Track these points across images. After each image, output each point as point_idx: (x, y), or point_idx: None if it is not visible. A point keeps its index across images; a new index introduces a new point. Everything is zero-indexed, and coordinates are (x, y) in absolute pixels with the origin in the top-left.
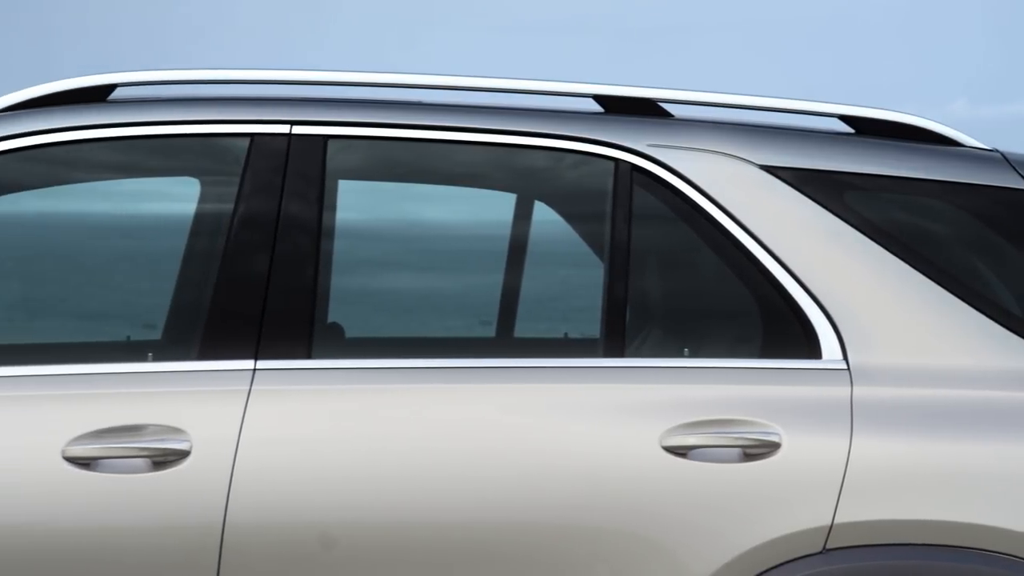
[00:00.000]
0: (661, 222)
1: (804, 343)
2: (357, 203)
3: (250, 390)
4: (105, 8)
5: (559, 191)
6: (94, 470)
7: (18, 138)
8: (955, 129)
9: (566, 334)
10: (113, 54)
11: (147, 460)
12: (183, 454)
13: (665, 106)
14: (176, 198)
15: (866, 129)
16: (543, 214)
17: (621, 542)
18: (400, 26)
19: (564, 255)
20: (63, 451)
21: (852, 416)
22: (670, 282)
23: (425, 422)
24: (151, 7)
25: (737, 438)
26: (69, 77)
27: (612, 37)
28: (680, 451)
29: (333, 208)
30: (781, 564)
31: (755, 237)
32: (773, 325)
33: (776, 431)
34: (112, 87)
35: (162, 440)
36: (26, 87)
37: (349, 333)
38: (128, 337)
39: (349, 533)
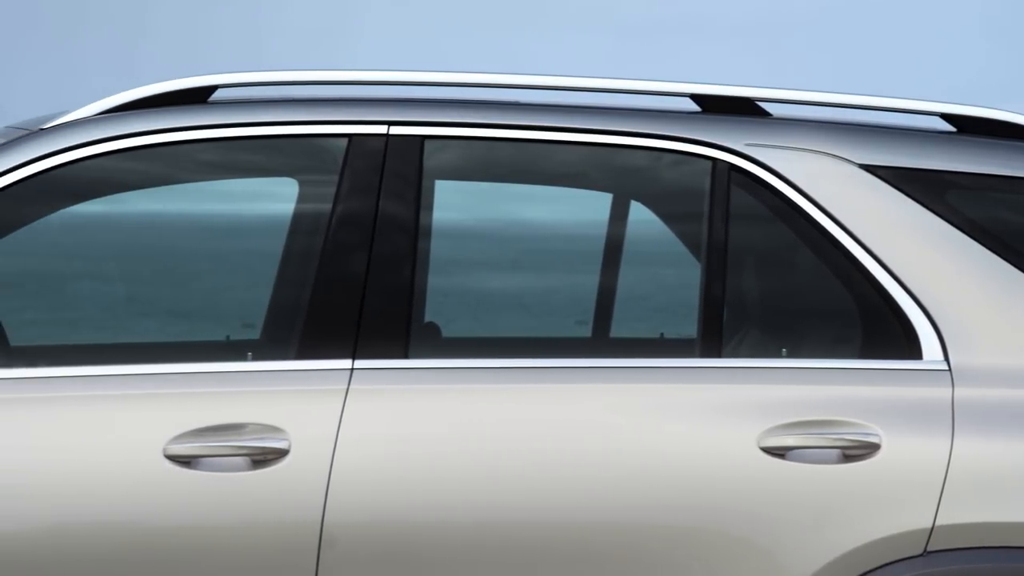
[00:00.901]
0: (759, 221)
1: (904, 343)
2: (454, 203)
3: (348, 389)
4: (206, 9)
5: (656, 191)
6: (195, 468)
7: (121, 139)
8: None
9: (662, 334)
10: (214, 56)
11: (247, 459)
12: (282, 453)
13: (763, 105)
14: (275, 198)
15: (968, 128)
16: (639, 214)
17: (718, 542)
18: (497, 26)
19: (660, 255)
20: (164, 449)
21: (953, 417)
22: (768, 282)
23: (521, 422)
24: (252, 9)
25: (836, 439)
26: (170, 79)
27: (707, 35)
28: (778, 452)
29: (430, 208)
30: (882, 566)
31: (854, 236)
32: (873, 325)
33: (876, 432)
34: (213, 88)
35: (261, 439)
36: (128, 89)
37: (445, 333)
38: (228, 337)
39: (445, 533)
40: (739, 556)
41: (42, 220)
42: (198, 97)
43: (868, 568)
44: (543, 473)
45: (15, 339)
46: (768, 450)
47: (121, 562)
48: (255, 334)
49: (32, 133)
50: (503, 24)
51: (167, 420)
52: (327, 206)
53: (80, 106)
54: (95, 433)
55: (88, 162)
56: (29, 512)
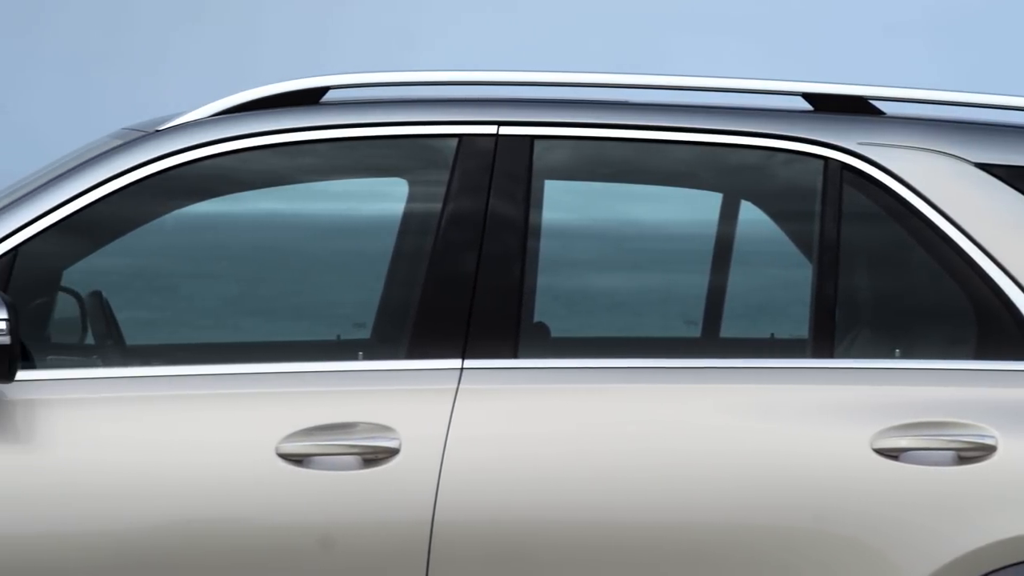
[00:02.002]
0: (872, 221)
1: (1020, 343)
2: (563, 203)
3: (457, 389)
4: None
5: (767, 190)
6: (307, 467)
7: (235, 140)
8: None
9: (773, 334)
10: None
11: (358, 458)
12: (392, 452)
13: (876, 104)
14: (385, 198)
15: None
16: (749, 213)
17: (831, 543)
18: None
19: (770, 255)
20: (277, 448)
21: None
22: (880, 282)
23: (631, 422)
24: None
25: (951, 440)
26: (284, 80)
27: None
28: (892, 453)
29: (539, 208)
30: (999, 569)
31: (970, 236)
32: (988, 325)
33: (991, 434)
34: (325, 89)
35: (372, 438)
36: (243, 90)
37: (555, 332)
38: (339, 336)
39: (554, 533)
40: (852, 557)
41: (157, 220)
42: (310, 98)
43: (985, 571)
44: (653, 474)
45: (131, 338)
46: (882, 451)
47: (233, 560)
48: (366, 333)
49: (148, 135)
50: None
51: (280, 419)
52: (437, 206)
53: (195, 107)
54: (209, 432)
55: (203, 163)
56: (145, 510)
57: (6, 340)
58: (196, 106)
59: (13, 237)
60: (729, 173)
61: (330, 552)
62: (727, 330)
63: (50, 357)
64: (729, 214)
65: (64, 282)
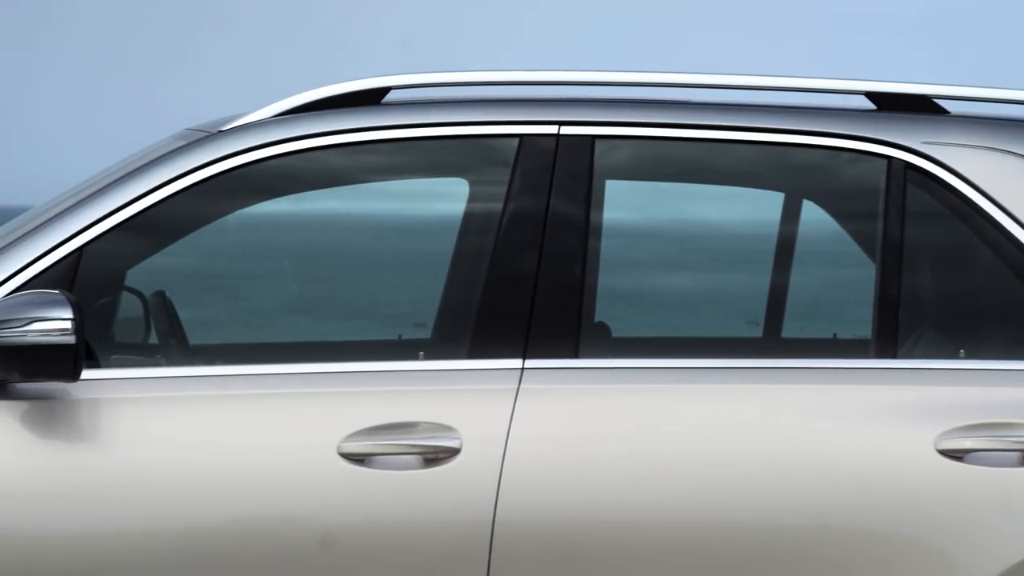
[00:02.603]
0: (936, 220)
1: None
2: (624, 203)
3: (518, 389)
4: (374, 12)
5: (829, 190)
6: (368, 466)
7: (297, 140)
8: None
9: (835, 334)
10: (385, 58)
11: (419, 457)
12: (454, 452)
13: (940, 102)
14: (446, 198)
15: None
16: (811, 213)
17: (894, 544)
18: (668, 25)
19: (833, 254)
20: (338, 447)
21: None
22: (944, 282)
23: (692, 423)
24: (421, 11)
25: (1016, 441)
26: (345, 81)
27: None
28: (956, 454)
29: (600, 208)
30: None
31: None
32: None
33: None
34: (387, 90)
35: (434, 438)
36: (305, 91)
37: (615, 332)
38: (400, 336)
39: (615, 533)
40: (916, 558)
41: (220, 220)
42: (372, 99)
43: None
44: (715, 474)
45: (194, 337)
46: (946, 452)
47: (295, 559)
48: (426, 333)
49: (211, 135)
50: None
51: (341, 418)
52: (498, 206)
53: (258, 108)
54: (271, 431)
55: (265, 163)
56: (207, 510)
57: (71, 340)
58: (259, 107)
59: (78, 237)
60: (792, 173)
61: (381, 551)
62: (789, 330)
63: (114, 356)
64: (791, 214)
65: (128, 282)
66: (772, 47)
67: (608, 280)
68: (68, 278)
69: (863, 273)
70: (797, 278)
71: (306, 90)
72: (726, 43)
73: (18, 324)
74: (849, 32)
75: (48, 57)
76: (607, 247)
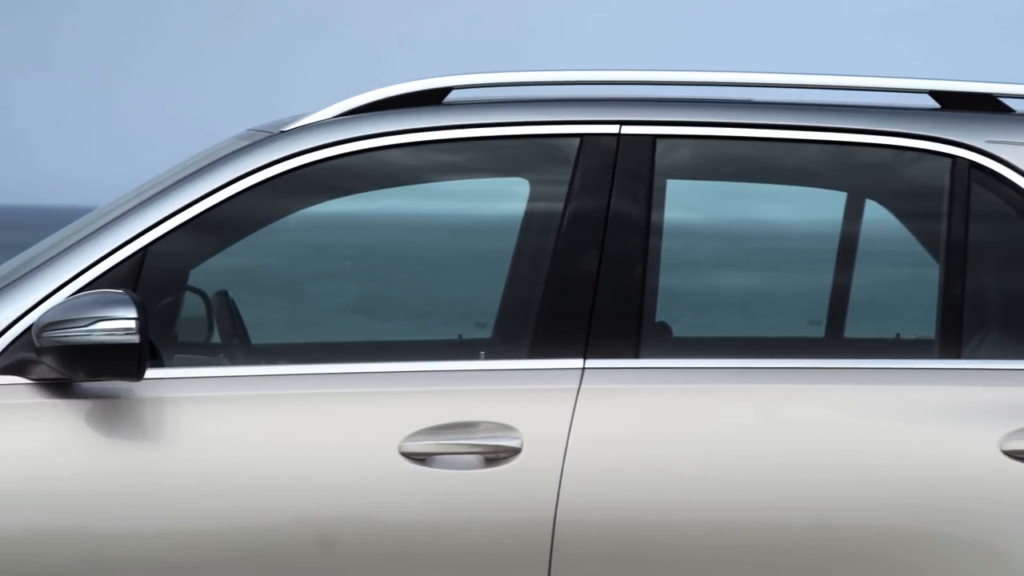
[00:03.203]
0: (1000, 219)
1: None
2: (685, 202)
3: (579, 388)
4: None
5: (892, 189)
6: (429, 466)
7: (358, 141)
8: None
9: (898, 334)
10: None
11: (480, 457)
12: (514, 451)
13: (1006, 101)
14: (506, 198)
15: None
16: (873, 212)
17: (956, 546)
18: (728, 24)
19: (895, 254)
20: (400, 447)
21: None
22: (1009, 281)
23: (753, 423)
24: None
25: None
26: (407, 81)
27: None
28: (1021, 455)
29: (661, 207)
30: None
31: None
32: None
33: None
34: (448, 90)
35: (494, 437)
36: (366, 91)
37: (676, 332)
38: (460, 335)
39: (677, 533)
40: (979, 559)
41: (282, 220)
42: (433, 98)
43: None
44: (775, 475)
45: (256, 337)
46: (1011, 454)
47: (356, 559)
48: (487, 333)
49: (274, 135)
50: (734, 21)
51: (403, 418)
52: (558, 206)
53: (320, 108)
54: (333, 430)
55: (327, 163)
56: (269, 509)
57: (135, 339)
58: (321, 107)
59: (142, 237)
60: (854, 172)
61: (441, 550)
62: (851, 330)
63: (177, 356)
64: (853, 213)
65: (191, 282)
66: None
67: (669, 280)
68: (132, 278)
69: (926, 273)
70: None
71: (363, 92)
72: (784, 42)
73: (83, 323)
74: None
75: (67, 59)
76: (668, 247)
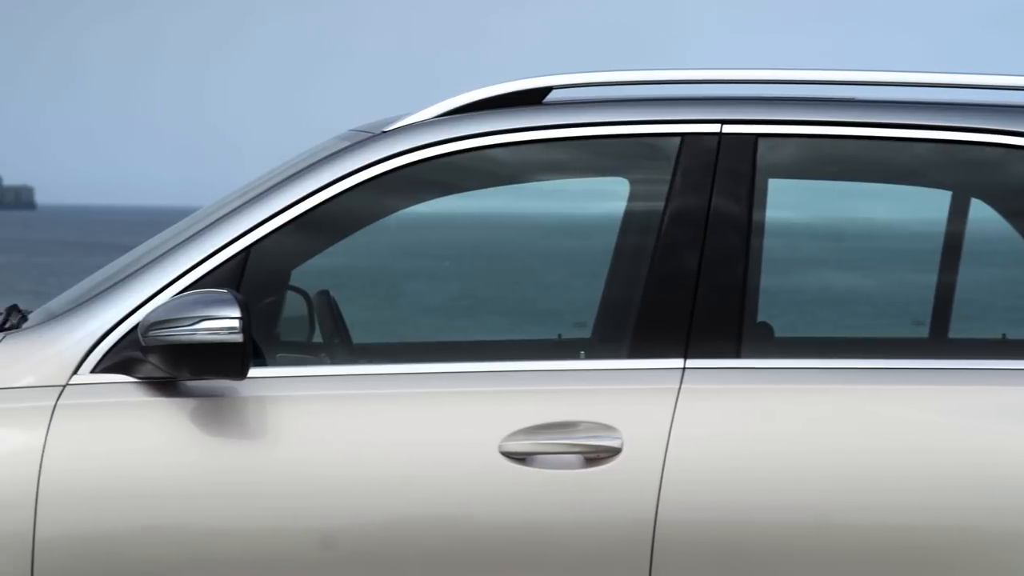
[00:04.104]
0: None
1: None
2: (787, 201)
3: (680, 388)
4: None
5: (999, 187)
6: (529, 465)
7: (459, 141)
8: None
9: (1004, 335)
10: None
11: (580, 456)
12: (615, 451)
13: None
14: (606, 197)
15: None
16: (978, 211)
17: None
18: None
19: (1001, 254)
20: (500, 446)
21: None
22: None
23: (856, 424)
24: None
25: None
26: (507, 81)
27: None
28: None
29: (763, 206)
30: None
31: None
32: None
33: None
34: (548, 89)
35: (595, 437)
36: (467, 91)
37: (778, 332)
38: (560, 335)
39: (779, 534)
40: None
41: (383, 220)
42: (534, 98)
43: None
44: (879, 476)
45: (357, 337)
46: None
47: (455, 558)
48: (586, 333)
49: (375, 136)
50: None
51: (502, 417)
52: (659, 205)
53: (420, 109)
54: (433, 429)
55: (428, 163)
56: (369, 507)
57: (238, 338)
58: (422, 107)
59: (245, 237)
60: (960, 170)
61: (541, 550)
62: (956, 330)
63: (280, 355)
64: (959, 212)
65: (293, 281)
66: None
67: (771, 279)
68: (236, 277)
69: None
70: (964, 277)
71: (465, 92)
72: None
73: (187, 323)
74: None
75: (169, 59)
76: (770, 246)
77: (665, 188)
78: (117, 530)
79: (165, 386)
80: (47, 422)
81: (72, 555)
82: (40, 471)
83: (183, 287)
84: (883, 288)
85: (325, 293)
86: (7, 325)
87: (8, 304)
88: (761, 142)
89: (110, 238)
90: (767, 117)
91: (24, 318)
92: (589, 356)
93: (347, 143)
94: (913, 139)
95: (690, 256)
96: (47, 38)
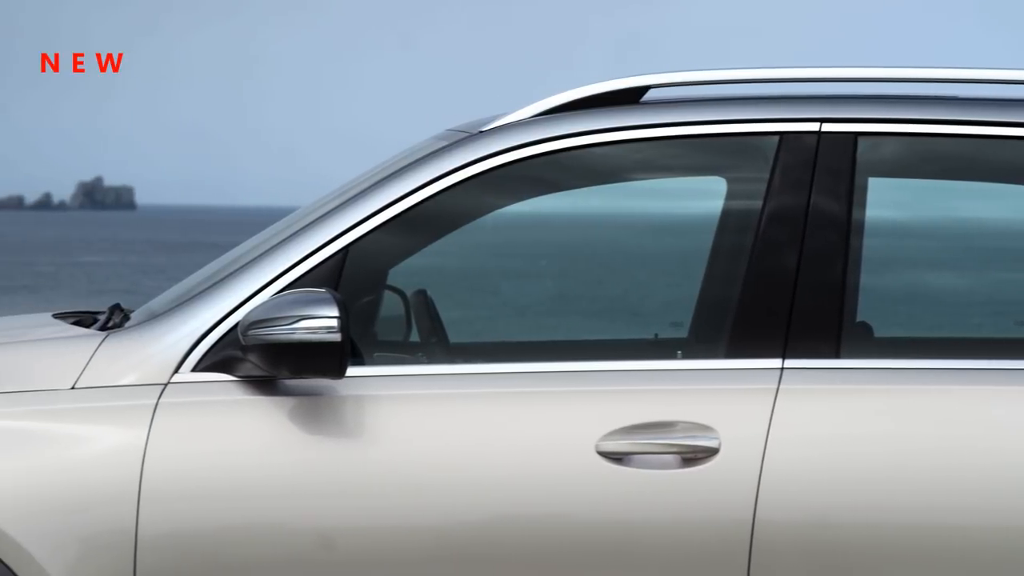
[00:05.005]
0: None
1: None
2: (888, 200)
3: (778, 389)
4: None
5: None
6: (626, 465)
7: (557, 140)
8: None
9: None
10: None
11: (677, 457)
12: (712, 452)
13: None
14: (703, 196)
15: None
16: None
17: None
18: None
19: None
20: (597, 446)
21: None
22: None
23: (957, 425)
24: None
25: None
26: (605, 80)
27: None
28: None
29: (863, 205)
30: None
31: None
32: None
33: None
34: (645, 89)
35: (692, 437)
36: (564, 91)
37: (878, 332)
38: (656, 335)
39: (878, 536)
40: None
41: (479, 220)
42: (630, 97)
43: None
44: (981, 477)
45: (454, 335)
46: None
47: (552, 556)
48: (683, 332)
49: (472, 135)
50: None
51: (599, 417)
52: (757, 204)
53: (517, 108)
54: (530, 428)
55: (525, 163)
56: (466, 505)
57: (337, 337)
58: (519, 107)
59: (343, 237)
60: None
61: (638, 550)
62: None
63: (377, 354)
64: None
65: (390, 281)
66: None
67: (871, 279)
68: (334, 277)
69: None
70: None
71: (560, 92)
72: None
73: (287, 322)
74: None
75: (270, 61)
76: (870, 245)
77: (763, 187)
78: (217, 528)
79: (264, 385)
80: (149, 420)
81: (173, 553)
82: (142, 469)
83: (282, 286)
84: (984, 288)
85: (422, 292)
86: (110, 324)
87: (110, 304)
88: (861, 140)
89: (207, 237)
90: (867, 115)
91: (126, 317)
92: (686, 356)
93: (444, 143)
94: (1016, 137)
95: (789, 255)
96: (148, 39)
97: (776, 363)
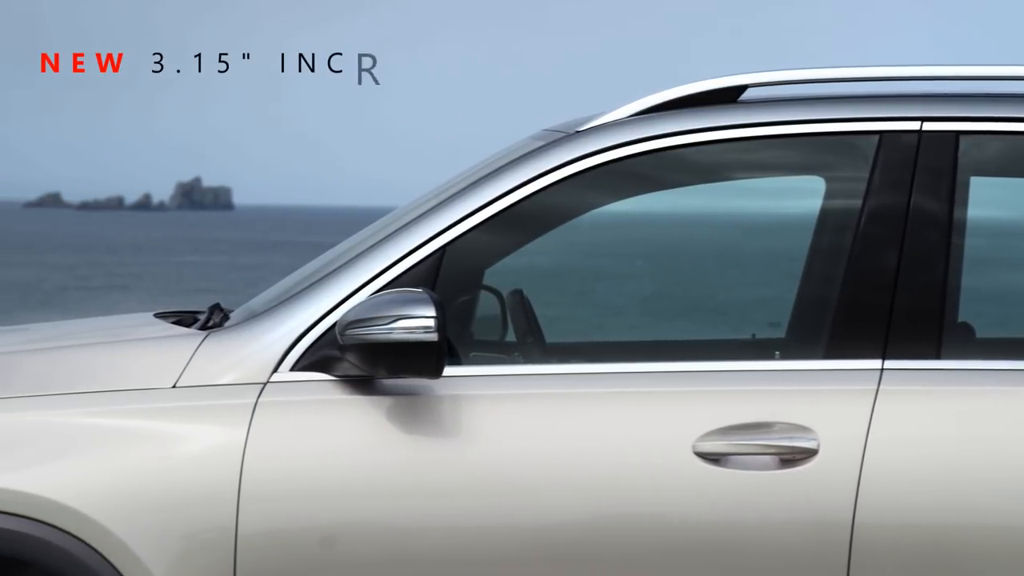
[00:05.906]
0: None
1: None
2: (989, 199)
3: (878, 390)
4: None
5: None
6: (724, 466)
7: (654, 140)
8: None
9: None
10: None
11: (775, 457)
12: (811, 452)
13: None
14: (801, 195)
15: None
16: None
17: None
18: None
19: None
20: (694, 446)
21: None
22: None
23: None
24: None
25: None
26: (702, 79)
27: None
28: None
29: (965, 205)
30: None
31: None
32: None
33: None
34: (743, 88)
35: (790, 438)
36: (661, 90)
37: (980, 333)
38: (753, 335)
39: (979, 537)
40: None
41: (576, 219)
42: (728, 97)
43: None
44: None
45: (550, 335)
46: None
47: (649, 556)
48: (781, 333)
49: (568, 135)
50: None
51: (697, 417)
52: (856, 203)
53: (614, 108)
54: (627, 428)
55: (622, 163)
56: (564, 506)
57: (434, 337)
58: (616, 106)
59: (440, 237)
60: None
61: (736, 551)
62: None
63: (473, 354)
64: None
65: (486, 281)
66: None
67: (972, 279)
68: (431, 277)
69: None
70: None
71: (657, 91)
72: None
73: (384, 322)
74: None
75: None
76: (972, 245)
77: (863, 186)
78: (315, 527)
79: (362, 384)
80: (249, 419)
81: (273, 551)
82: (242, 467)
83: (380, 286)
84: None
85: (518, 292)
86: (210, 324)
87: (211, 303)
88: (962, 139)
89: (303, 237)
90: (968, 114)
91: (226, 317)
92: (784, 356)
93: (541, 143)
94: None
95: (889, 255)
96: (248, 41)
97: (876, 364)
